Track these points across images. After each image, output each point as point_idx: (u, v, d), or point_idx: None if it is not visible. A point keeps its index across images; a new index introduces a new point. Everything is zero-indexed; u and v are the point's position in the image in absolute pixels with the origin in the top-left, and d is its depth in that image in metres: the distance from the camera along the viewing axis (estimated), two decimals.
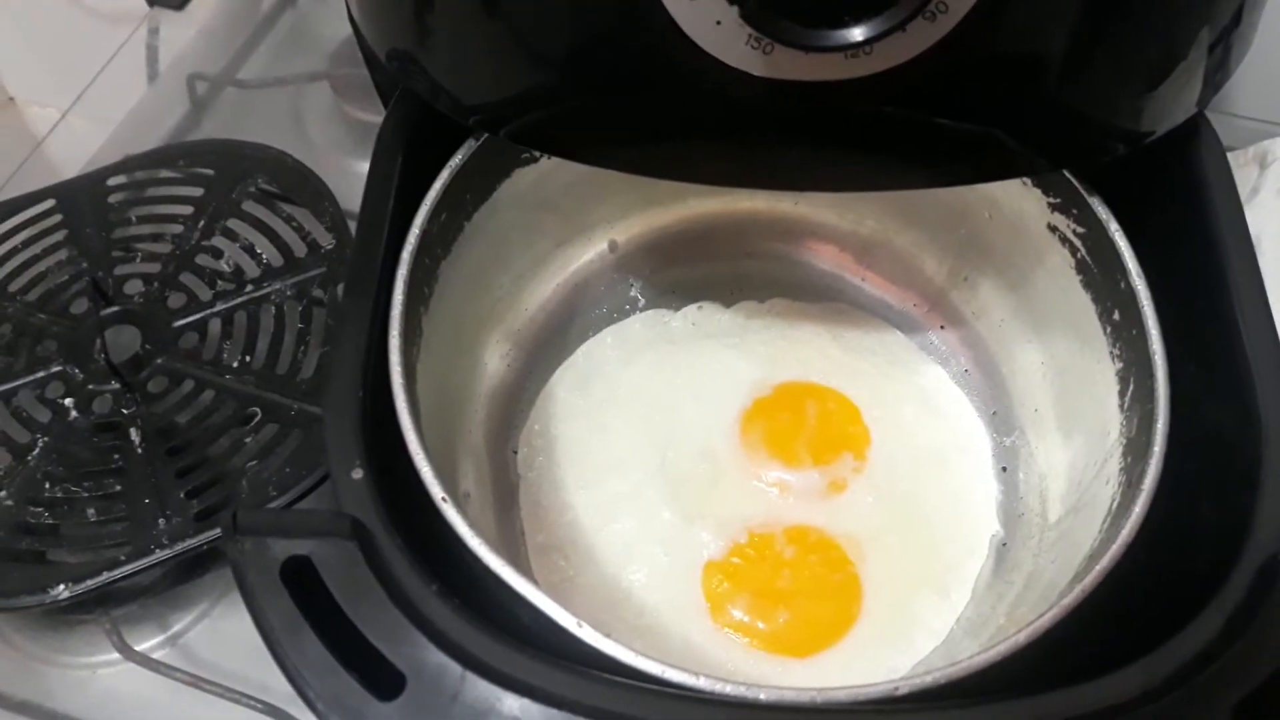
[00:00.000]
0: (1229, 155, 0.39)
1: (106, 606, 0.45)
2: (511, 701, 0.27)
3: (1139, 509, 0.32)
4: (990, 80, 0.32)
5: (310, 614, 0.28)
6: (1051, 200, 0.41)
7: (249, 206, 0.55)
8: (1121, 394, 0.39)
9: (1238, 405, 0.33)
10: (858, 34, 0.28)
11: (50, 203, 0.56)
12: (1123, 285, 0.38)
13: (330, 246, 0.53)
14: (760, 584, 0.41)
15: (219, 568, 0.47)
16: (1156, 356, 0.36)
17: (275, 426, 0.47)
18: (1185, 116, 0.36)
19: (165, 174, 0.57)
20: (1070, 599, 0.30)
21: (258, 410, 0.48)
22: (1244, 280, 0.35)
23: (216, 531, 0.44)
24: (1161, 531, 0.32)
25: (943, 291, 0.49)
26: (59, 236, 0.55)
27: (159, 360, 0.50)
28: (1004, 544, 0.43)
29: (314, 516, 0.30)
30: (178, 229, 0.55)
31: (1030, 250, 0.43)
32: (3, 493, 0.46)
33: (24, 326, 0.52)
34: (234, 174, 0.56)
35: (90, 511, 0.46)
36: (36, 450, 0.48)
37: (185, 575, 0.47)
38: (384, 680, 0.27)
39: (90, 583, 0.43)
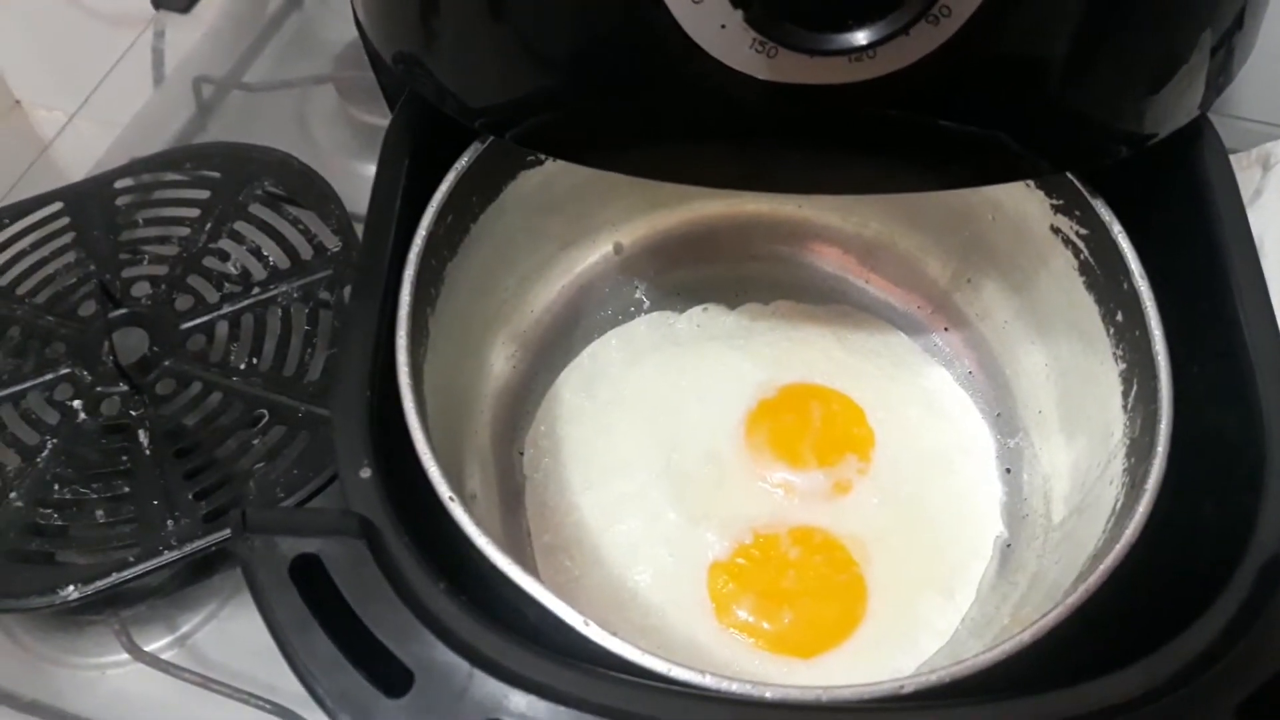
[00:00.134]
0: (1231, 157, 0.39)
1: (115, 607, 0.46)
2: (519, 699, 0.27)
3: (1142, 509, 0.32)
4: (993, 83, 0.32)
5: (319, 612, 0.28)
6: (1054, 202, 0.41)
7: (255, 209, 0.56)
8: (1125, 395, 0.39)
9: (1240, 406, 0.33)
10: (861, 38, 0.28)
11: (58, 205, 0.57)
12: (1126, 287, 0.38)
13: (336, 249, 0.54)
14: (765, 585, 0.41)
15: (227, 569, 0.47)
16: (1160, 358, 0.36)
17: (283, 428, 0.48)
18: (1188, 119, 0.37)
19: (172, 177, 0.58)
20: (1074, 598, 0.30)
21: (265, 412, 0.48)
22: (1246, 282, 0.35)
23: (225, 533, 0.44)
24: (1165, 532, 0.33)
25: (946, 294, 0.49)
26: (67, 239, 0.55)
27: (167, 362, 0.50)
28: (1008, 545, 0.43)
29: (322, 515, 0.30)
30: (184, 232, 0.55)
31: (1033, 252, 0.43)
32: (12, 494, 0.47)
33: (32, 329, 0.52)
34: (240, 177, 0.57)
35: (99, 513, 0.46)
36: (45, 452, 0.48)
37: (194, 576, 0.47)
38: (392, 677, 0.27)
39: (99, 584, 0.43)
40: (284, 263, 0.54)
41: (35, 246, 0.55)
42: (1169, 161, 0.38)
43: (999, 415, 0.46)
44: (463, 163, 0.40)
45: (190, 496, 0.46)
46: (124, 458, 0.48)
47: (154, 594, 0.47)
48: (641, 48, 0.31)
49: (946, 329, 0.49)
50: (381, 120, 0.42)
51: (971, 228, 0.46)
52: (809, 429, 0.45)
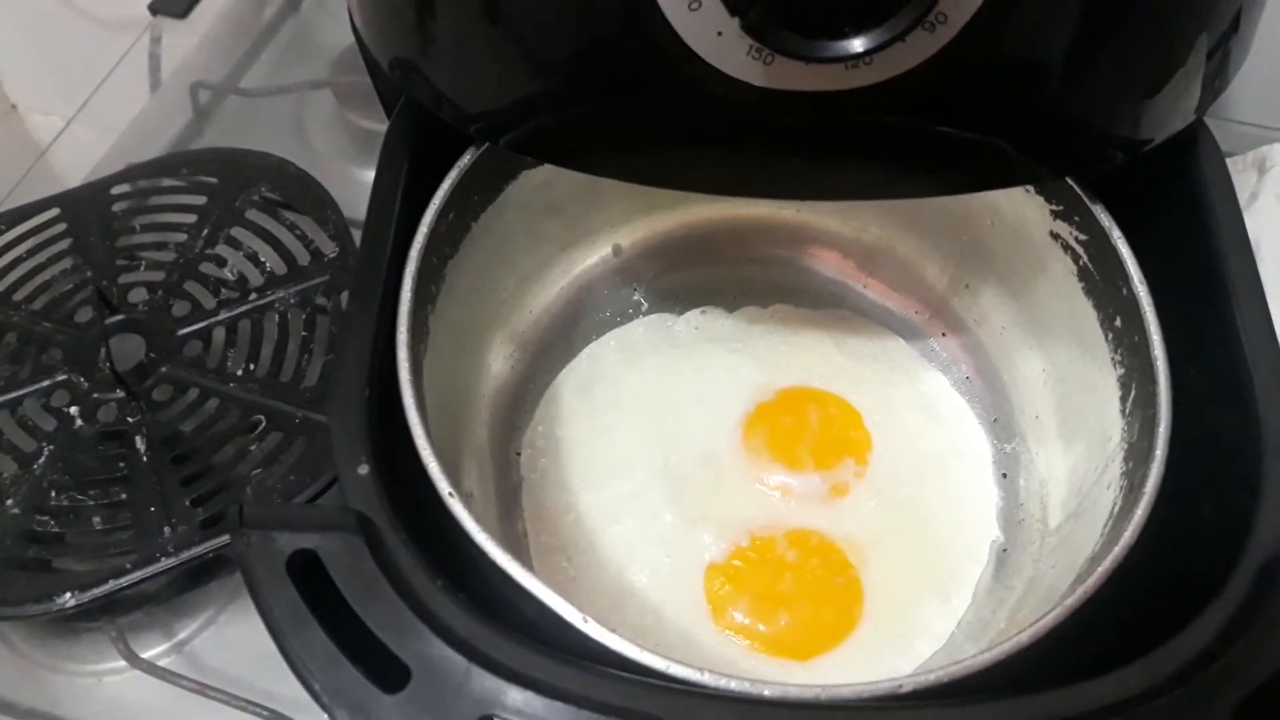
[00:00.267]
0: (1228, 161, 0.39)
1: (112, 614, 0.46)
2: (515, 694, 0.27)
3: (1140, 512, 0.32)
4: (989, 89, 0.32)
5: (316, 607, 0.28)
6: (1054, 208, 0.41)
7: (252, 215, 0.56)
8: (1123, 399, 0.39)
9: (1238, 409, 0.33)
10: (858, 45, 0.28)
11: (54, 211, 0.57)
12: (1125, 292, 0.38)
13: (333, 254, 0.54)
14: (762, 587, 0.41)
15: (225, 575, 0.47)
16: (1159, 362, 0.36)
17: (280, 434, 0.48)
18: (1185, 124, 0.37)
19: (169, 182, 0.58)
20: (1073, 599, 0.30)
21: (262, 418, 0.48)
22: (1244, 285, 0.35)
23: (222, 539, 0.44)
24: (1163, 534, 0.33)
25: (944, 299, 0.49)
26: (63, 245, 0.55)
27: (163, 369, 0.50)
28: (1004, 549, 0.43)
29: (320, 511, 0.30)
30: (181, 237, 0.55)
31: (1032, 257, 0.43)
32: (9, 501, 0.47)
33: (29, 335, 0.52)
34: (237, 182, 0.57)
35: (96, 520, 0.46)
36: (42, 459, 0.48)
37: (191, 583, 0.47)
38: (389, 673, 0.27)
39: (96, 591, 0.43)
40: (281, 268, 0.54)
41: (32, 253, 0.55)
42: (1165, 166, 0.38)
43: (996, 420, 0.46)
44: (465, 161, 0.40)
45: (187, 503, 0.46)
46: (121, 464, 0.47)
47: (151, 600, 0.47)
48: (638, 54, 0.31)
49: (944, 334, 0.49)
50: (379, 125, 0.42)
51: (970, 233, 0.46)
52: (806, 432, 0.45)
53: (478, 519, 0.32)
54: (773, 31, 0.28)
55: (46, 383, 0.50)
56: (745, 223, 0.51)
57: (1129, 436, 0.38)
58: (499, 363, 0.47)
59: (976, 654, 0.29)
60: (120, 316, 0.52)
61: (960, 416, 0.47)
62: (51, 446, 0.48)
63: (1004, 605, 0.41)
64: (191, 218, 0.56)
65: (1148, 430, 0.35)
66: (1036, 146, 0.35)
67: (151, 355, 0.51)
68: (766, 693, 0.28)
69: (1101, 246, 0.39)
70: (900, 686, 0.28)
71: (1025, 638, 0.29)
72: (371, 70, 0.44)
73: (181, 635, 0.46)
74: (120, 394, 0.49)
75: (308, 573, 0.29)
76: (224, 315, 0.52)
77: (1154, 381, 0.36)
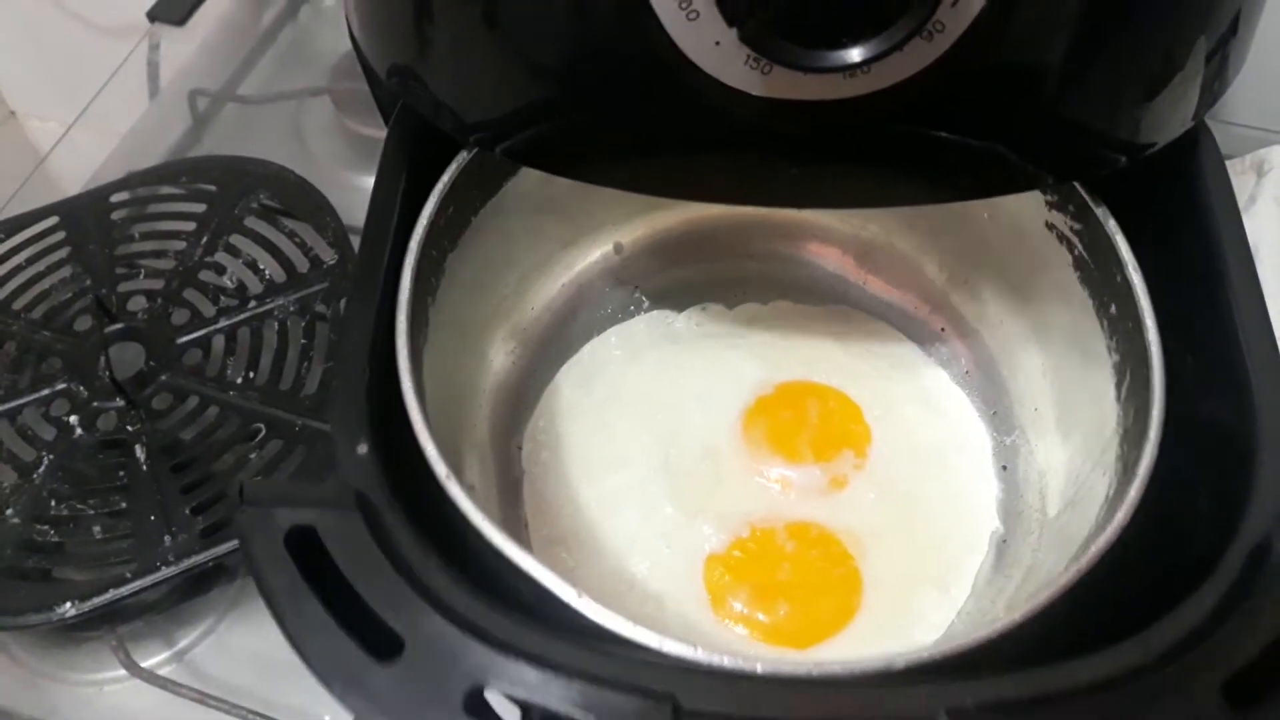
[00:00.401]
0: (1226, 164, 0.39)
1: (113, 623, 0.46)
2: (507, 665, 0.27)
3: (1134, 493, 0.33)
4: (989, 96, 0.32)
5: (312, 580, 0.28)
6: (1049, 198, 0.41)
7: (251, 222, 0.55)
8: (1118, 386, 0.39)
9: (1233, 396, 0.33)
10: (855, 55, 0.28)
11: (54, 220, 0.57)
12: (1119, 278, 0.38)
13: (332, 262, 0.53)
14: (761, 577, 0.41)
15: (225, 583, 0.47)
16: (1152, 346, 0.36)
17: (279, 442, 0.48)
18: (1185, 128, 0.37)
19: (168, 190, 0.57)
20: (1066, 578, 0.30)
21: (262, 426, 0.48)
22: (1240, 276, 0.35)
23: (223, 548, 0.44)
24: (1158, 519, 0.33)
25: (944, 293, 0.49)
26: (62, 254, 0.55)
27: (163, 377, 0.50)
28: (1004, 540, 0.43)
29: (319, 489, 0.30)
30: (181, 245, 0.55)
31: (1028, 249, 0.43)
32: (9, 511, 0.47)
33: (29, 344, 0.52)
34: (236, 190, 0.57)
35: (96, 529, 0.46)
36: (42, 468, 0.48)
37: (191, 591, 0.47)
38: (383, 644, 0.28)
39: (97, 600, 0.43)
40: (280, 276, 0.54)
41: (31, 261, 0.55)
42: (1163, 165, 0.38)
43: (995, 413, 0.46)
44: (464, 155, 0.40)
45: (187, 511, 0.46)
46: (121, 473, 0.47)
47: (151, 609, 0.46)
48: (636, 64, 0.31)
49: (943, 329, 0.49)
50: (377, 132, 0.42)
51: (968, 227, 0.46)
52: (806, 425, 0.45)
53: (478, 508, 0.31)
54: (770, 42, 0.28)
55: (46, 392, 0.50)
56: (745, 220, 0.51)
57: (1125, 423, 0.38)
58: (500, 358, 0.47)
59: (970, 633, 0.29)
60: (120, 325, 0.52)
61: (960, 410, 0.47)
62: (51, 455, 0.48)
63: (1003, 594, 0.41)
64: (191, 225, 0.56)
65: (1142, 415, 0.35)
66: (1037, 152, 0.35)
67: (151, 363, 0.51)
68: (759, 668, 0.28)
69: (1095, 235, 0.39)
70: (893, 663, 0.28)
71: (1019, 616, 0.29)
72: (369, 78, 0.44)
73: (182, 644, 0.46)
74: (120, 403, 0.49)
75: (305, 547, 0.29)
76: (223, 323, 0.52)
77: (1148, 365, 0.36)
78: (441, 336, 0.39)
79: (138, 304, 0.53)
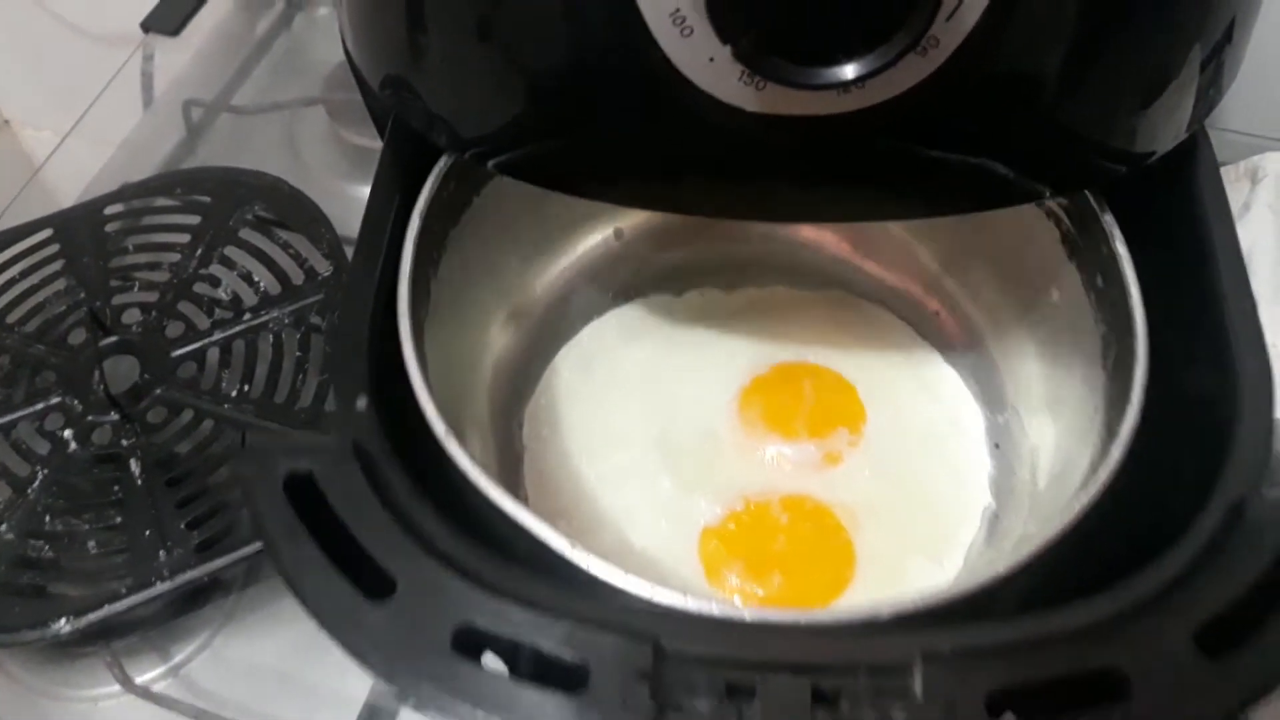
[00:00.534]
0: (1220, 170, 0.39)
1: (108, 639, 0.45)
2: (493, 604, 0.27)
3: (1117, 452, 0.33)
4: (985, 110, 0.32)
5: (309, 523, 0.29)
6: None
7: (246, 234, 0.55)
8: (1104, 357, 0.39)
9: (1216, 365, 0.34)
10: (849, 72, 0.28)
11: (48, 232, 0.56)
12: (1105, 250, 0.38)
13: (327, 273, 0.53)
14: (755, 548, 0.42)
15: (220, 598, 0.47)
16: (1136, 313, 0.36)
17: None
18: (1182, 137, 0.36)
19: (162, 202, 0.57)
20: (1050, 534, 0.31)
21: None
22: (1224, 248, 0.36)
23: (218, 563, 0.44)
24: (1143, 483, 0.33)
25: (938, 276, 0.50)
26: (57, 266, 0.55)
27: (158, 390, 0.50)
28: (996, 515, 0.43)
29: (318, 439, 0.31)
30: (175, 257, 0.55)
31: (1019, 228, 0.43)
32: (3, 526, 0.46)
33: (23, 358, 0.52)
34: (231, 201, 0.56)
35: (91, 544, 0.46)
36: (36, 483, 0.47)
37: (186, 606, 0.46)
38: (376, 584, 0.28)
39: (92, 616, 0.43)
40: (275, 288, 0.53)
41: (25, 274, 0.55)
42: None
43: (989, 393, 0.47)
44: None
45: (182, 526, 0.45)
46: (115, 488, 0.47)
47: (146, 624, 0.46)
48: (631, 80, 0.31)
49: (938, 311, 0.49)
50: (371, 142, 0.42)
51: None
52: (801, 403, 0.46)
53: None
54: (764, 59, 0.28)
55: (40, 405, 0.50)
56: None
57: (1110, 393, 0.38)
58: (501, 338, 0.47)
59: (954, 586, 0.30)
60: (114, 338, 0.52)
61: (954, 390, 0.47)
62: (46, 470, 0.48)
63: (994, 566, 0.41)
64: (185, 237, 0.56)
65: (1127, 383, 0.36)
66: (1035, 165, 0.35)
67: (146, 377, 0.50)
68: (747, 616, 0.28)
69: (1082, 210, 0.39)
70: (879, 612, 0.29)
71: (1002, 570, 0.30)
72: (363, 90, 0.43)
73: (177, 659, 0.46)
74: (114, 416, 0.49)
75: (303, 493, 0.30)
76: (218, 336, 0.52)
77: (1133, 335, 0.36)
78: (444, 312, 0.39)
79: (132, 316, 0.53)
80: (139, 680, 0.45)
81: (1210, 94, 0.36)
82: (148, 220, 0.57)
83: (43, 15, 0.87)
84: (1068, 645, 0.27)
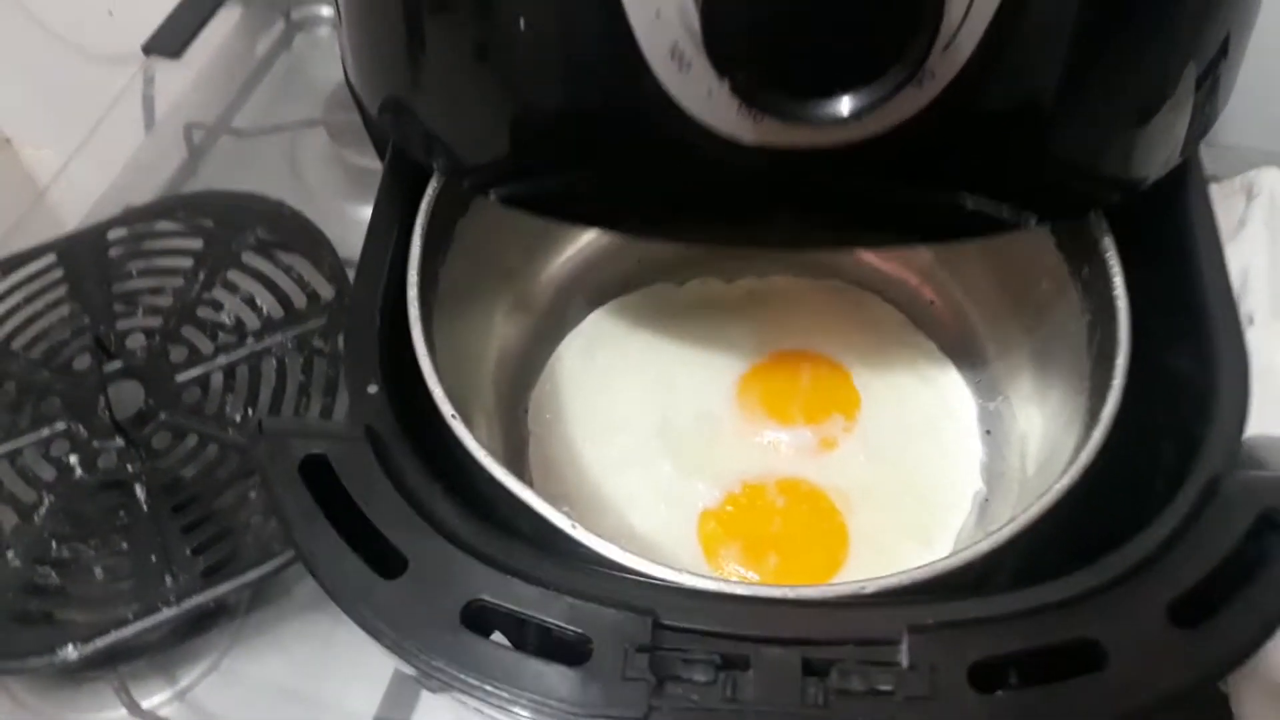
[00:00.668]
0: (1215, 186, 0.41)
1: (114, 664, 0.48)
2: (500, 580, 0.29)
3: (1098, 435, 0.35)
4: (979, 140, 0.33)
5: (324, 505, 0.31)
6: None
7: (248, 258, 0.57)
8: (1089, 343, 0.41)
9: (1195, 349, 0.36)
10: (844, 107, 0.28)
11: (51, 258, 0.58)
12: (1090, 240, 0.40)
13: (329, 297, 0.55)
14: (752, 530, 0.44)
15: (226, 622, 0.49)
16: (1119, 301, 0.38)
17: None
18: (1175, 162, 0.37)
19: (165, 226, 0.59)
20: (1034, 510, 0.32)
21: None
22: (1204, 236, 0.37)
23: (223, 588, 0.46)
24: (1125, 467, 0.35)
25: (932, 267, 0.52)
26: (61, 292, 0.57)
27: (162, 415, 0.52)
28: (986, 500, 0.46)
29: (331, 424, 0.35)
30: (178, 282, 0.57)
31: None
32: (10, 553, 0.48)
33: (28, 384, 0.54)
34: (232, 225, 0.58)
35: (97, 570, 0.48)
36: (43, 509, 0.49)
37: (192, 630, 0.49)
38: (388, 562, 0.30)
39: (98, 643, 0.45)
40: (278, 312, 0.55)
41: (29, 300, 0.58)
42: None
43: (981, 380, 0.49)
44: None
45: (188, 551, 0.47)
46: (121, 513, 0.49)
47: (152, 649, 0.48)
48: (630, 113, 0.33)
49: (932, 301, 0.51)
50: (372, 162, 0.43)
51: None
52: (798, 390, 0.48)
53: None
54: (760, 94, 0.29)
55: (46, 432, 0.52)
56: None
57: (1094, 378, 0.40)
58: (507, 326, 0.50)
59: (936, 560, 0.32)
60: (118, 363, 0.53)
61: (947, 377, 0.50)
62: (52, 496, 0.50)
63: (978, 546, 0.43)
64: (188, 262, 0.57)
65: (1109, 369, 0.37)
66: (1030, 194, 0.36)
67: (150, 402, 0.52)
68: (739, 590, 0.30)
69: None
70: (864, 587, 0.31)
71: (984, 546, 0.32)
72: (364, 116, 0.44)
73: (183, 683, 0.48)
74: (119, 442, 0.51)
75: (318, 475, 0.32)
76: (222, 360, 0.54)
77: (1115, 319, 0.38)
78: (451, 303, 0.42)
79: (136, 342, 0.55)
80: (146, 705, 0.47)
81: (1203, 118, 0.38)
82: (150, 244, 0.59)
83: (42, 34, 0.88)
84: (1047, 618, 0.29)
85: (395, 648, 0.29)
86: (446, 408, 0.35)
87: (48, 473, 0.50)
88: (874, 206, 0.35)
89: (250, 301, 0.55)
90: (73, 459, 0.50)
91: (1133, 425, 0.35)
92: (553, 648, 0.29)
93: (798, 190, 0.33)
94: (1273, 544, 0.30)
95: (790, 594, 0.30)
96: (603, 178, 0.35)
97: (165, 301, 0.56)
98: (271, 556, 0.46)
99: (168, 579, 0.46)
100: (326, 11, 0.75)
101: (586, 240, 0.52)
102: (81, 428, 0.51)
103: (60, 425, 0.51)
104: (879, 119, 0.31)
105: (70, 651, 0.44)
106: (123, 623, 0.44)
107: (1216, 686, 0.42)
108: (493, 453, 0.34)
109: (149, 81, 0.70)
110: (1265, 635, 0.29)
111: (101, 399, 0.51)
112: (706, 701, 0.28)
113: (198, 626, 0.48)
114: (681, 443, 0.46)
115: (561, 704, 0.28)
